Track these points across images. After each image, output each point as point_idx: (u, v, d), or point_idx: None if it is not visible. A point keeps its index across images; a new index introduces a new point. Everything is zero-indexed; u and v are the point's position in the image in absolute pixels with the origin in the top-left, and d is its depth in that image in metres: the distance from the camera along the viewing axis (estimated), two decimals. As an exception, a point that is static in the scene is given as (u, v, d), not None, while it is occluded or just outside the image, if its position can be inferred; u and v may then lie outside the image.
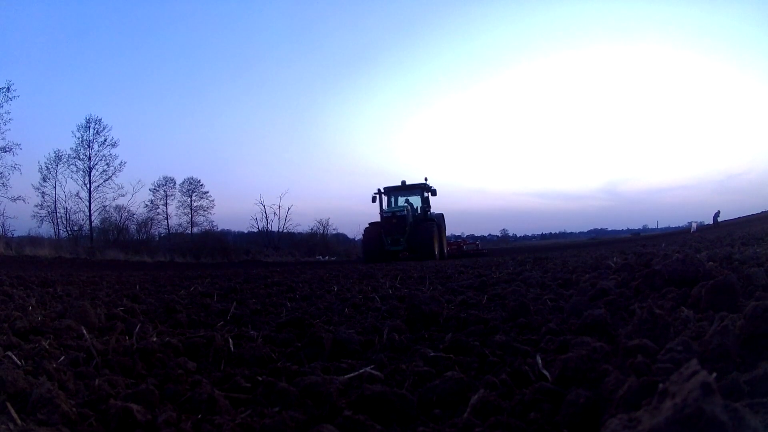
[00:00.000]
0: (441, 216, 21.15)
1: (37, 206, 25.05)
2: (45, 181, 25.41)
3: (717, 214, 33.83)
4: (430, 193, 21.22)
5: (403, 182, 21.32)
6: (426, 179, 21.04)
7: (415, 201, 21.30)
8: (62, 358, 1.41)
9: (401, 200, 21.06)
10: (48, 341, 1.57)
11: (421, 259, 16.47)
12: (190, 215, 30.71)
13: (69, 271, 7.18)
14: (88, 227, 25.67)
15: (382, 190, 20.97)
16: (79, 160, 25.96)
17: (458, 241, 25.63)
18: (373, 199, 20.53)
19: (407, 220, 18.95)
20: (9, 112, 22.65)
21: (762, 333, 1.05)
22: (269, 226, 28.99)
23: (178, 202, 31.02)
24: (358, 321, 2.17)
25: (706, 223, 36.38)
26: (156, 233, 28.81)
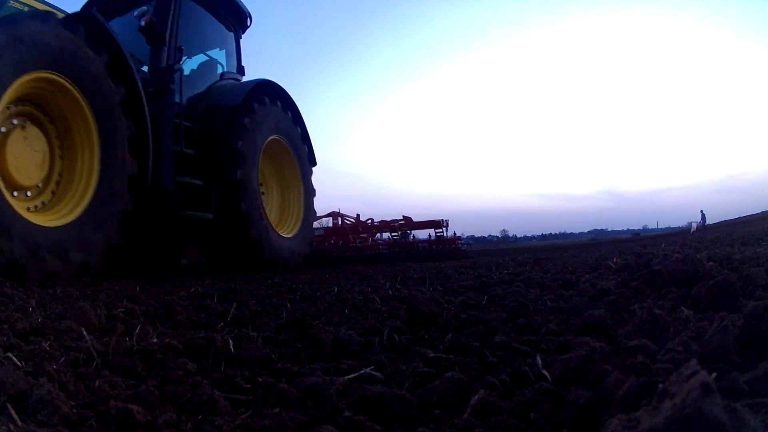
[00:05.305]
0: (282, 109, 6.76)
1: (37, 208, 25.14)
2: (45, 182, 25.50)
3: (703, 217, 33.77)
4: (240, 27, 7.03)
5: None
6: None
7: (221, 57, 6.85)
8: (62, 359, 1.41)
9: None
10: (48, 342, 1.57)
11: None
12: (190, 216, 30.64)
13: (69, 273, 7.15)
14: (88, 228, 25.73)
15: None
16: (79, 161, 26.04)
17: (386, 222, 13.24)
18: None
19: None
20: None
21: (762, 333, 1.05)
22: (269, 227, 28.64)
23: (178, 203, 31.08)
24: (359, 322, 2.17)
25: (705, 223, 36.46)
26: (156, 234, 28.81)
